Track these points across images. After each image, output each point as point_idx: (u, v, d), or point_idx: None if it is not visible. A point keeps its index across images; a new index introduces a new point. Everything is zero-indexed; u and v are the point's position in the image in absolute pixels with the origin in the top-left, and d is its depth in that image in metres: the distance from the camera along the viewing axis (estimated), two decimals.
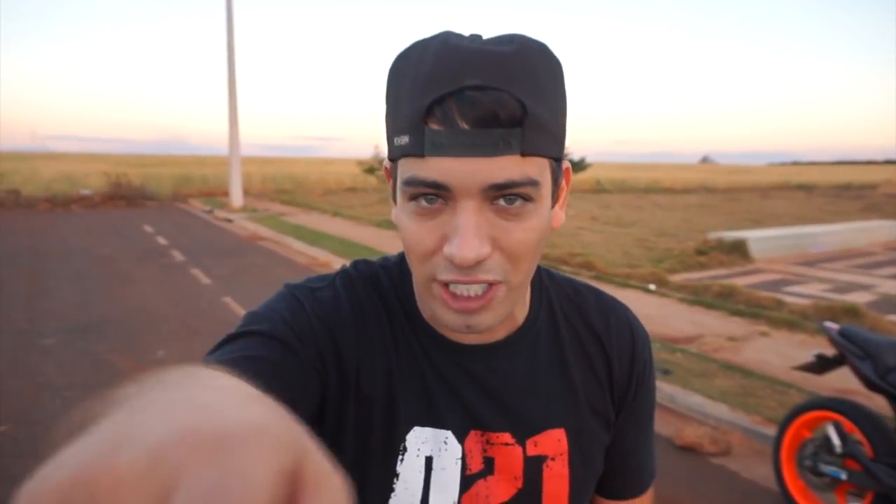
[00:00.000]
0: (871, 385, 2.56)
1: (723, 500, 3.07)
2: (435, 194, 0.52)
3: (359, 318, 0.63)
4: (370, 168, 25.54)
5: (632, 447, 0.72)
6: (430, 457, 0.62)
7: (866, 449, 2.61)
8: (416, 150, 0.51)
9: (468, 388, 0.64)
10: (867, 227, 14.27)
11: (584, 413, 0.67)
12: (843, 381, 3.40)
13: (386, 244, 10.97)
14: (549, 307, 0.70)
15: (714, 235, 11.12)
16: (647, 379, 0.72)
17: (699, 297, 6.93)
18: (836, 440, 2.64)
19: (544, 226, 0.56)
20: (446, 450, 0.62)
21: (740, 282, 8.15)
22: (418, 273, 0.57)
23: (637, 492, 0.73)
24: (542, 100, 0.51)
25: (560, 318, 0.70)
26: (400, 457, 0.62)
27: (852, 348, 2.67)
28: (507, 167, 0.51)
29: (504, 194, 0.52)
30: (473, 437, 0.63)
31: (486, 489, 0.63)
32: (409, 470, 0.62)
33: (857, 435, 2.67)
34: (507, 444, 0.64)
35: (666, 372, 4.57)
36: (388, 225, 13.61)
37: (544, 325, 0.68)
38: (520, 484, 0.64)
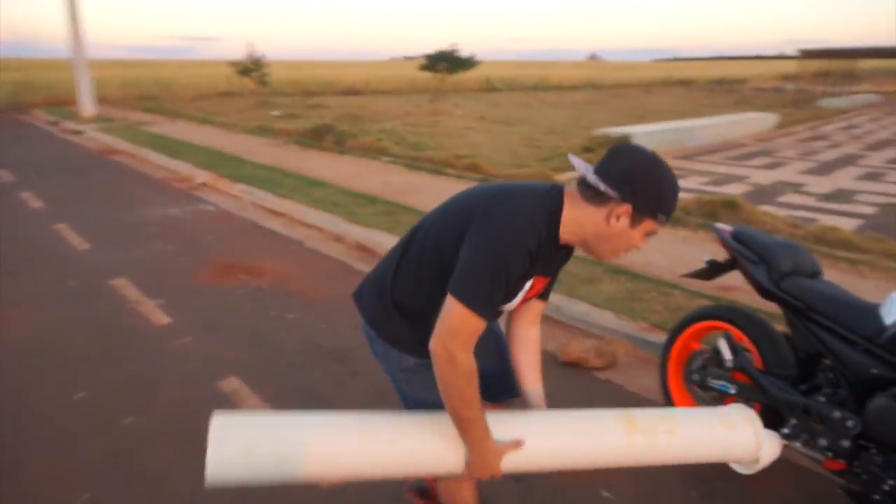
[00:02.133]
0: (764, 292, 2.32)
1: None
2: (652, 233, 1.46)
3: (539, 243, 1.40)
4: (245, 69, 23.33)
5: (552, 283, 1.67)
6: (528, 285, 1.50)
7: (756, 360, 2.41)
8: (658, 221, 1.42)
9: (553, 260, 1.54)
10: (740, 120, 14.82)
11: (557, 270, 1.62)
12: (730, 279, 3.21)
13: (259, 152, 9.97)
14: None
15: (600, 132, 11.01)
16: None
17: None
18: (726, 353, 2.42)
19: None
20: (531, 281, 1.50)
21: None
22: (618, 247, 1.47)
23: (547, 297, 1.71)
24: None
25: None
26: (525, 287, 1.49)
27: (745, 252, 2.40)
28: None
29: None
30: (538, 277, 1.52)
31: (527, 294, 1.53)
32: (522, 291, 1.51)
33: (748, 345, 2.46)
34: (542, 280, 1.56)
35: None
36: (262, 132, 12.44)
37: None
38: (535, 292, 1.58)
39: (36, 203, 6.94)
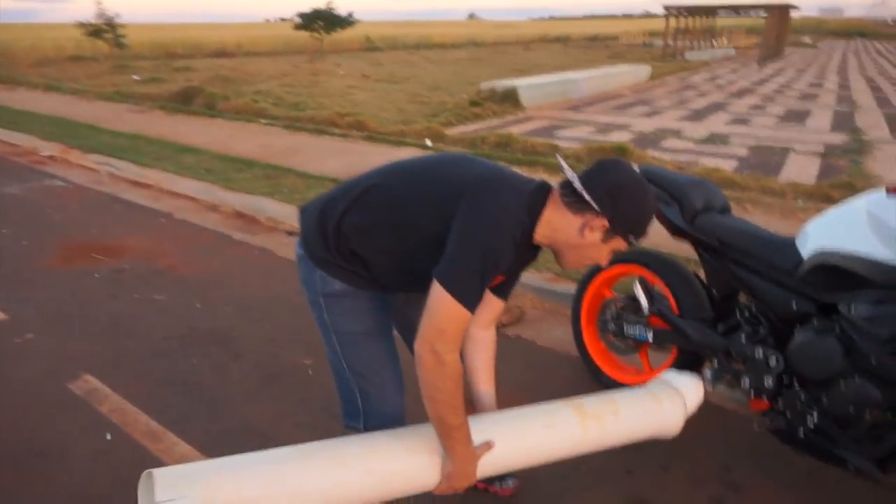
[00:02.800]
0: (676, 231, 2.19)
1: (524, 376, 2.68)
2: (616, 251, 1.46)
3: (518, 242, 1.37)
4: (96, 30, 20.93)
5: (513, 283, 1.65)
6: None
7: (671, 304, 2.29)
8: (628, 242, 1.41)
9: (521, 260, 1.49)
10: (617, 72, 15.25)
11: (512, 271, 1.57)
12: None
13: (117, 120, 8.91)
14: None
15: (486, 85, 10.87)
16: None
17: (476, 148, 6.54)
18: (642, 298, 2.28)
19: None
20: None
21: (515, 130, 7.97)
22: (582, 258, 1.47)
23: (506, 298, 1.65)
24: None
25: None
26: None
27: (656, 192, 2.24)
28: None
29: None
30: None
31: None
32: None
33: (662, 290, 2.34)
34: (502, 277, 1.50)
35: None
36: (121, 97, 11.19)
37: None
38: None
39: None
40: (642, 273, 2.39)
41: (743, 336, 2.03)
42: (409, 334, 1.53)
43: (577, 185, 1.36)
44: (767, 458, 2.13)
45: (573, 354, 2.75)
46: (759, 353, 1.96)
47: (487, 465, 1.50)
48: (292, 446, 1.44)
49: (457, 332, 1.33)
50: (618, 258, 2.52)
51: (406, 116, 9.12)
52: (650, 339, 2.29)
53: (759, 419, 2.08)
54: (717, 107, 11.49)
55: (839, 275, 1.77)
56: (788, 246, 1.95)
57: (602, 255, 1.44)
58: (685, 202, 2.15)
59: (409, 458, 1.45)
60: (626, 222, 1.37)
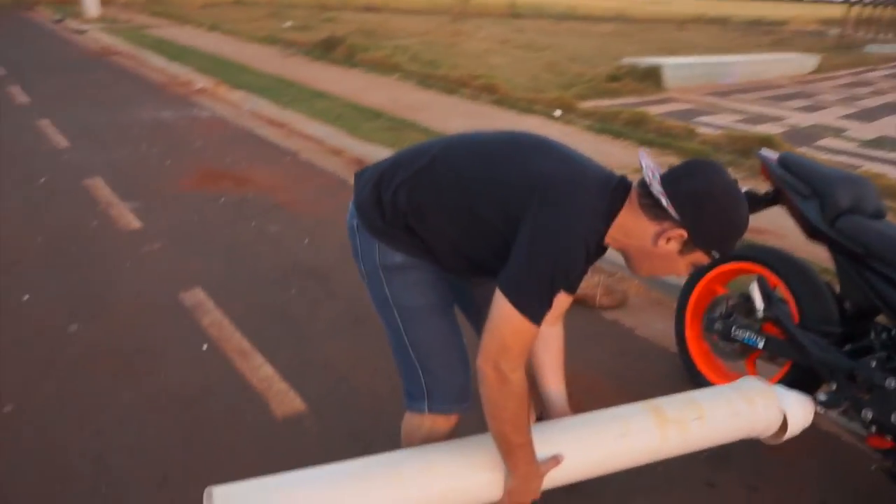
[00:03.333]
0: (813, 231, 1.92)
1: (615, 364, 2.54)
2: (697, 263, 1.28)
3: (591, 248, 1.23)
4: None
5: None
6: None
7: (793, 312, 2.04)
8: (709, 256, 1.22)
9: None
10: (777, 60, 13.90)
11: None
12: (761, 219, 2.81)
13: (264, 61, 9.41)
14: None
15: (628, 61, 10.30)
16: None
17: (607, 124, 6.23)
18: (758, 300, 2.04)
19: None
20: None
21: (652, 110, 7.50)
22: (659, 270, 1.32)
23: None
24: None
25: None
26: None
27: (795, 183, 1.98)
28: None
29: None
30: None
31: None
32: None
33: (784, 294, 2.09)
34: None
35: None
36: (269, 41, 11.79)
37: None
38: None
39: (23, 98, 6.54)
40: (763, 273, 2.14)
41: (874, 361, 1.77)
42: (476, 317, 1.48)
43: (656, 188, 1.18)
44: (874, 497, 1.87)
45: (671, 350, 2.55)
46: (891, 383, 1.70)
47: (554, 478, 1.40)
48: (349, 462, 1.38)
49: (523, 348, 1.22)
50: (737, 253, 2.28)
51: (539, 84, 8.87)
52: (760, 346, 2.06)
53: (878, 459, 1.82)
54: (894, 107, 10.16)
55: None
56: None
57: (679, 267, 1.26)
58: (828, 199, 1.88)
59: (469, 475, 1.37)
60: (708, 237, 1.19)
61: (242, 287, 2.90)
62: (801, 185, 1.96)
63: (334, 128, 5.81)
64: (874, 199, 1.94)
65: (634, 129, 6.15)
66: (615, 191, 1.27)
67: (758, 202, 2.20)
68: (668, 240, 1.20)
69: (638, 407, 1.61)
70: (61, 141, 5.05)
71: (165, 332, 2.51)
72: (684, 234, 1.18)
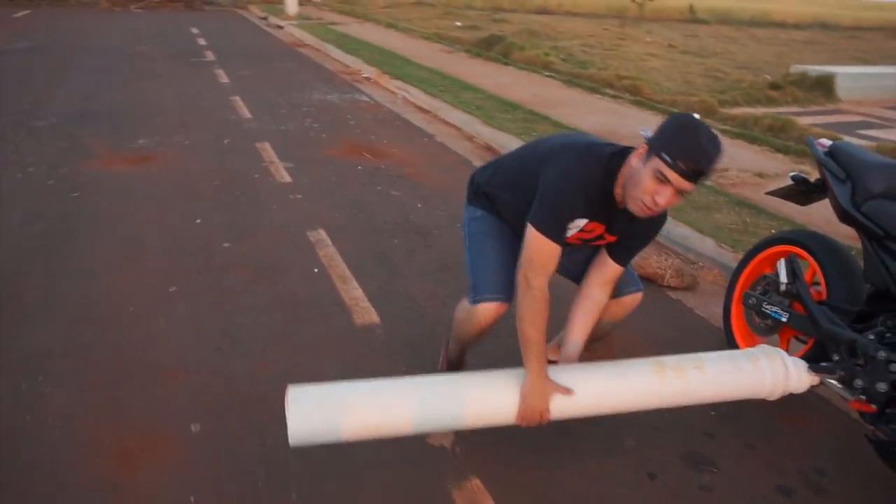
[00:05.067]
0: (842, 214, 2.03)
1: (664, 334, 2.74)
2: (664, 181, 1.48)
3: (590, 190, 1.65)
4: None
5: (628, 249, 1.86)
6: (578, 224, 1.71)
7: (823, 290, 2.15)
8: (672, 167, 1.46)
9: (606, 214, 1.71)
10: None
11: (626, 234, 1.79)
12: None
13: (427, 56, 10.22)
14: None
15: (798, 69, 9.67)
16: (647, 239, 1.89)
17: (745, 130, 6.08)
18: (783, 276, 2.18)
19: None
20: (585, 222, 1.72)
21: (808, 120, 7.11)
22: (635, 193, 1.54)
23: (622, 264, 1.88)
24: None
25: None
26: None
27: (835, 169, 2.10)
28: (689, 187, 1.49)
29: (683, 192, 1.50)
30: (594, 223, 1.73)
31: (582, 234, 1.76)
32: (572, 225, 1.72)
33: (818, 275, 2.20)
34: (602, 228, 1.75)
35: None
36: (436, 38, 12.67)
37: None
38: (592, 237, 1.78)
39: (224, 79, 7.86)
40: (801, 254, 2.26)
41: (873, 334, 1.86)
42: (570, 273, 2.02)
43: (642, 134, 1.58)
44: (871, 475, 1.94)
45: (722, 329, 2.70)
46: (882, 354, 1.80)
47: (562, 409, 1.72)
48: (400, 378, 1.80)
49: (543, 261, 1.65)
50: (784, 237, 2.41)
51: (691, 89, 8.71)
52: (784, 321, 2.20)
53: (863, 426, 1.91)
54: None
55: None
56: None
57: (645, 180, 1.50)
58: (860, 183, 1.99)
59: (492, 394, 1.71)
60: (660, 141, 1.49)
61: (356, 232, 3.50)
62: (838, 171, 2.08)
63: (472, 116, 6.32)
64: None
65: (774, 136, 5.94)
66: (617, 154, 1.65)
67: (812, 189, 2.33)
68: (638, 157, 1.55)
69: (642, 359, 1.89)
70: (246, 113, 6.10)
71: (290, 256, 3.16)
72: (646, 147, 1.53)
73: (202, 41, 11.23)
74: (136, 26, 13.14)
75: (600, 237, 1.80)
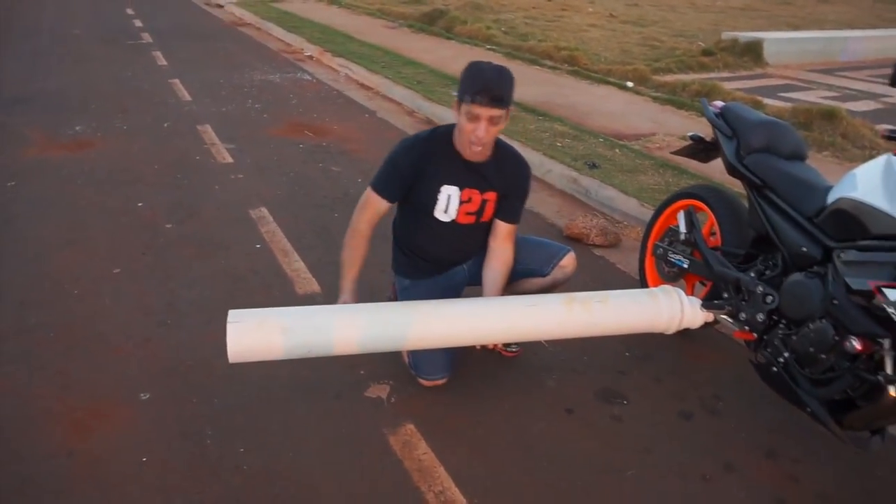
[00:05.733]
0: (729, 167, 2.26)
1: (586, 287, 2.95)
2: (474, 117, 1.88)
3: (424, 156, 2.06)
4: None
5: (513, 207, 2.17)
6: (451, 195, 2.09)
7: (718, 237, 2.39)
8: (473, 102, 1.86)
9: (468, 175, 2.07)
10: None
11: (501, 189, 2.11)
12: None
13: (370, 32, 10.20)
14: (497, 154, 2.08)
15: (729, 36, 10.03)
16: (522, 191, 2.19)
17: (673, 96, 6.36)
18: (683, 227, 2.42)
19: (502, 126, 1.93)
20: (457, 192, 2.10)
21: (735, 85, 7.45)
22: (462, 138, 1.97)
23: (512, 221, 2.19)
24: (511, 92, 1.92)
25: (502, 159, 2.11)
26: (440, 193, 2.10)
27: (723, 127, 2.32)
28: (498, 111, 1.88)
29: (493, 118, 1.89)
30: (467, 190, 2.09)
31: (467, 206, 2.11)
32: (443, 197, 2.10)
33: (715, 225, 2.44)
34: (477, 193, 2.11)
35: (593, 166, 4.29)
36: (379, 14, 12.60)
37: (496, 159, 2.08)
38: (478, 206, 2.12)
39: (162, 61, 7.73)
40: (701, 206, 2.49)
41: (754, 273, 2.11)
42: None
43: (454, 93, 1.95)
44: (762, 399, 2.21)
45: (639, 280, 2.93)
46: (759, 289, 2.04)
47: (487, 334, 2.02)
48: (331, 305, 2.14)
49: (364, 205, 2.13)
50: (688, 191, 2.64)
51: (628, 58, 8.96)
52: (686, 267, 2.43)
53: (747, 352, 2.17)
54: None
55: (850, 222, 1.79)
56: (820, 192, 1.96)
57: (463, 124, 1.90)
58: (744, 139, 2.22)
59: (397, 321, 1.99)
60: (460, 89, 1.88)
61: (297, 208, 3.61)
62: (726, 129, 2.31)
63: (413, 92, 6.42)
64: (794, 142, 2.24)
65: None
66: (453, 126, 2.05)
67: (706, 147, 2.56)
68: (455, 112, 1.95)
69: (555, 295, 2.11)
70: (186, 96, 6.06)
71: (232, 234, 3.26)
72: (456, 101, 1.92)
73: (138, 22, 10.92)
74: (68, 7, 12.66)
75: (483, 204, 2.12)
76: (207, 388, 2.14)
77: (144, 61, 7.69)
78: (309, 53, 8.48)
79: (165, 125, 5.09)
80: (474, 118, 1.87)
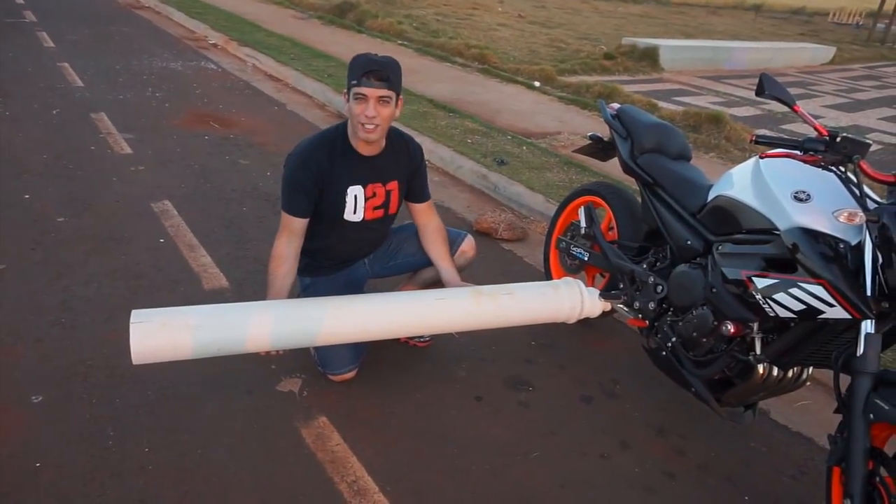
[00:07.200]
0: (624, 166, 2.42)
1: (494, 279, 3.05)
2: (362, 98, 1.92)
3: (321, 166, 2.06)
4: None
5: (420, 187, 2.29)
6: (356, 194, 2.14)
7: (616, 231, 2.56)
8: (358, 84, 1.91)
9: (369, 170, 2.13)
10: (789, 48, 13.96)
11: (401, 176, 2.21)
12: None
13: (279, 23, 9.94)
14: (390, 144, 2.15)
15: (628, 41, 10.59)
16: (422, 170, 2.29)
17: (578, 96, 6.66)
18: (583, 222, 2.57)
19: (394, 112, 1.99)
20: (361, 190, 2.14)
21: (634, 88, 7.89)
22: (354, 123, 1.99)
23: (425, 199, 2.32)
24: (397, 76, 1.96)
25: (396, 146, 2.19)
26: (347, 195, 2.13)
27: (618, 128, 2.49)
28: (385, 91, 1.93)
29: (381, 98, 1.93)
30: (371, 186, 2.14)
31: (373, 202, 2.17)
32: (350, 199, 2.13)
33: (613, 220, 2.60)
34: (380, 187, 2.17)
35: (501, 163, 4.43)
36: (288, 3, 12.30)
37: (391, 149, 2.16)
38: (384, 199, 2.19)
39: (49, 43, 7.19)
40: (600, 202, 2.65)
41: (646, 265, 2.28)
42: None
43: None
44: (653, 381, 2.39)
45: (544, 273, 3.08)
46: (650, 279, 2.21)
47: (390, 327, 2.03)
48: (238, 303, 2.02)
49: (281, 231, 2.10)
50: (588, 188, 2.80)
51: (535, 58, 9.27)
52: (586, 259, 2.59)
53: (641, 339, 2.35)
54: (888, 101, 10.32)
55: (726, 218, 1.97)
56: (702, 190, 2.15)
57: (354, 107, 1.93)
58: (636, 140, 2.38)
59: (310, 316, 1.97)
60: (348, 76, 1.94)
61: (203, 202, 3.50)
62: (622, 130, 2.47)
63: (324, 85, 6.34)
64: (680, 144, 2.43)
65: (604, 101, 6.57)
66: (337, 126, 2.12)
67: (605, 146, 2.72)
68: (345, 103, 1.99)
69: (464, 289, 2.18)
70: (77, 81, 5.68)
71: (133, 228, 3.12)
72: (345, 91, 1.98)
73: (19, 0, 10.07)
74: None
75: (388, 195, 2.18)
76: (109, 389, 2.06)
77: (27, 42, 7.12)
78: (213, 41, 8.16)
79: (55, 112, 4.75)
80: (363, 99, 1.90)
